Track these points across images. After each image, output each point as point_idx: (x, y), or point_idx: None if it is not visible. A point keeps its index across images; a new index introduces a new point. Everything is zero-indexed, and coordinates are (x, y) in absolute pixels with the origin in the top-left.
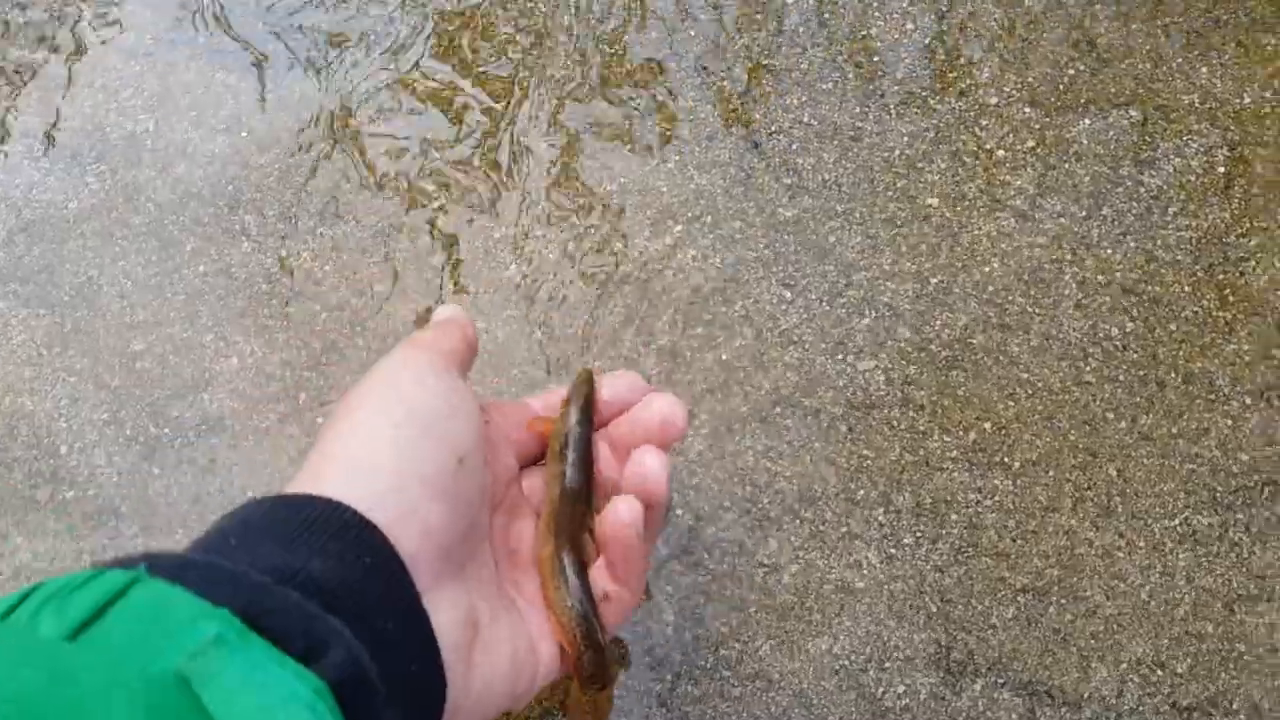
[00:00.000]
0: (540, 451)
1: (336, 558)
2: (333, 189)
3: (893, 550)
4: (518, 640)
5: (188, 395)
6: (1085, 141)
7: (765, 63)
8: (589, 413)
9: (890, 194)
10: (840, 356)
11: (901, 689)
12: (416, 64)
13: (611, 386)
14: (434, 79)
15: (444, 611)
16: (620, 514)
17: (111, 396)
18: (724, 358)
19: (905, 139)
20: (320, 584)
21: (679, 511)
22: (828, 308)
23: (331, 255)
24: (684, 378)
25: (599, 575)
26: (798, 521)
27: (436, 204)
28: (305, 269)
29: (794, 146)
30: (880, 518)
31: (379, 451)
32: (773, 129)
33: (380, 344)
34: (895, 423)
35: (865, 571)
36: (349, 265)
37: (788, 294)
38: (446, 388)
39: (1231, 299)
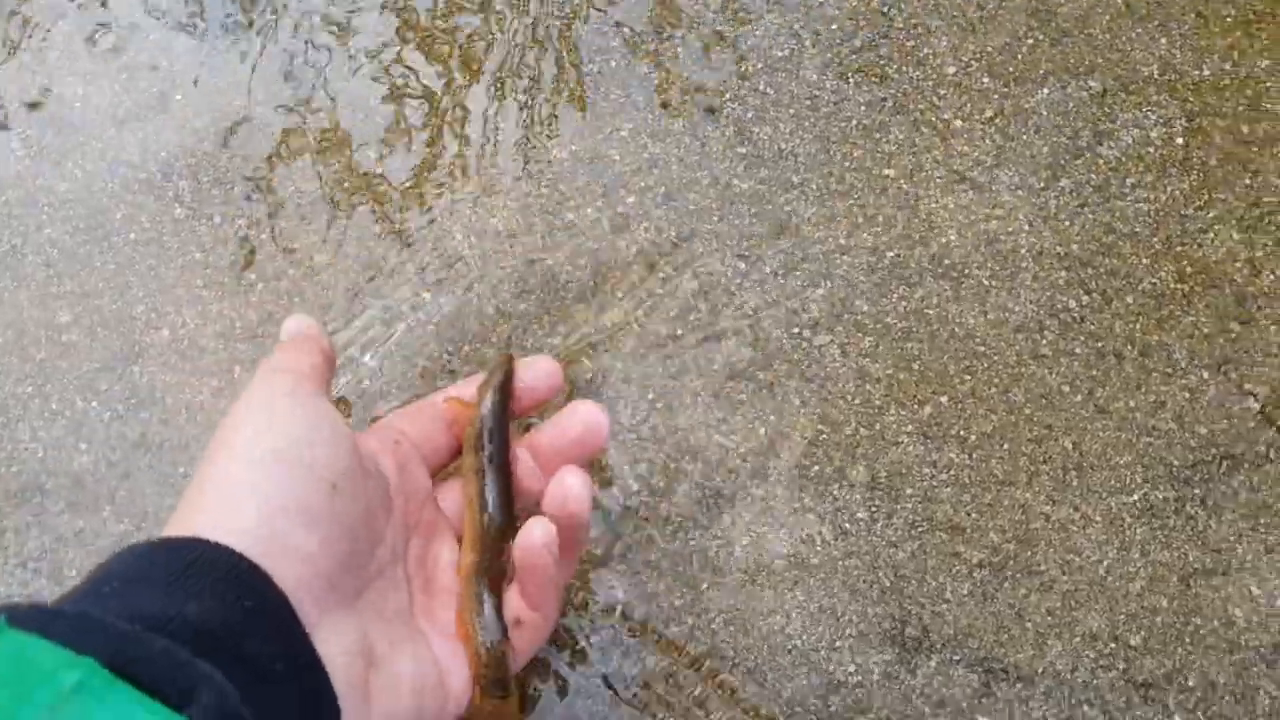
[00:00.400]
0: (458, 449)
1: (216, 600)
2: (271, 154)
3: (847, 525)
4: (423, 670)
5: (117, 368)
6: (1044, 112)
7: (720, 29)
8: (505, 400)
9: (847, 164)
10: (795, 329)
11: (854, 665)
12: (361, 24)
13: (531, 369)
14: (380, 40)
15: (333, 643)
16: (534, 537)
17: (36, 369)
18: (677, 331)
19: (862, 108)
20: (197, 628)
21: (632, 485)
22: (783, 280)
23: (269, 224)
24: (636, 350)
25: (512, 599)
26: (750, 497)
27: (379, 170)
28: (241, 237)
29: (750, 115)
30: (834, 492)
31: (247, 488)
32: (728, 97)
33: (319, 315)
34: (850, 396)
35: (819, 547)
36: (287, 234)
37: (742, 266)
38: (310, 413)
39: (1189, 271)
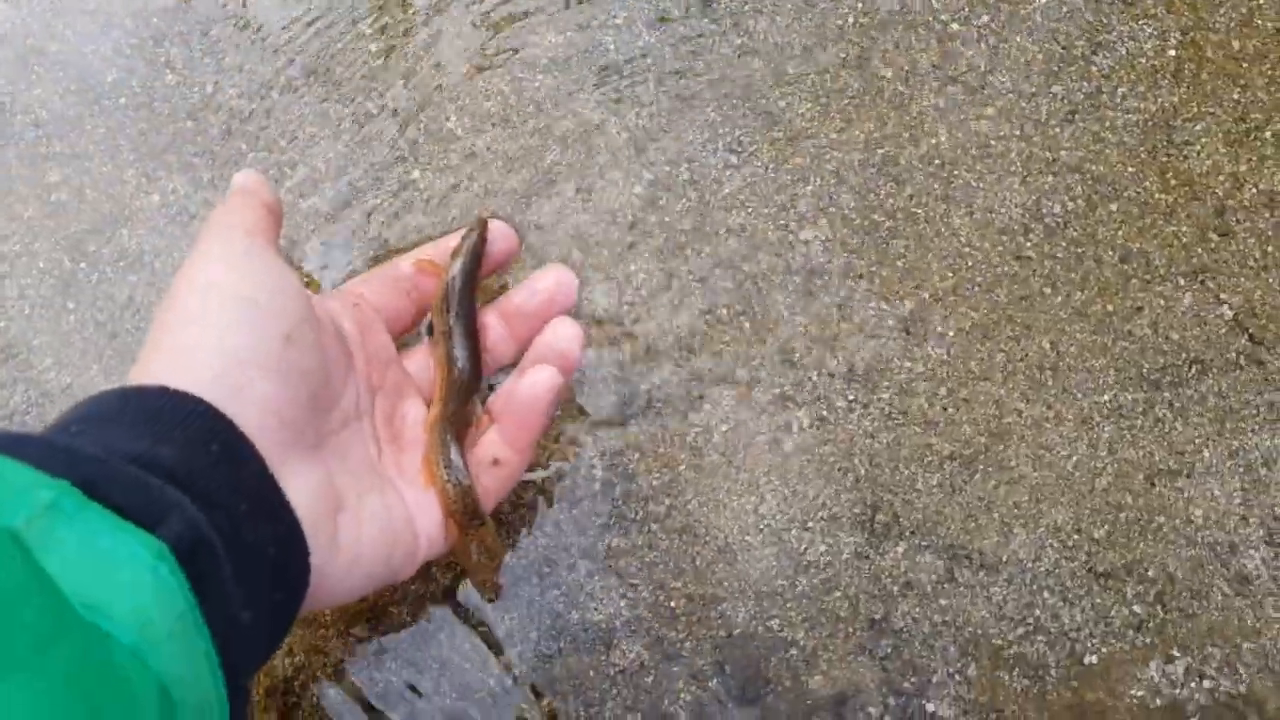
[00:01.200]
0: (423, 311)
1: (185, 445)
2: (263, 25)
3: (824, 413)
4: (392, 515)
5: (106, 230)
6: (1039, 19)
7: None
8: (475, 263)
9: (842, 60)
10: (783, 222)
11: (824, 547)
12: None
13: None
14: None
15: (298, 486)
16: (540, 382)
17: (24, 228)
18: (665, 219)
19: (860, 5)
20: (169, 470)
21: (616, 370)
22: (773, 174)
23: (260, 94)
24: (624, 238)
25: (491, 441)
26: (731, 382)
27: (375, 47)
28: (232, 107)
29: (746, 7)
30: (814, 380)
31: (205, 340)
32: None
33: (311, 189)
34: (834, 290)
35: (795, 434)
36: (279, 105)
37: (733, 158)
38: (261, 266)
39: (1173, 182)
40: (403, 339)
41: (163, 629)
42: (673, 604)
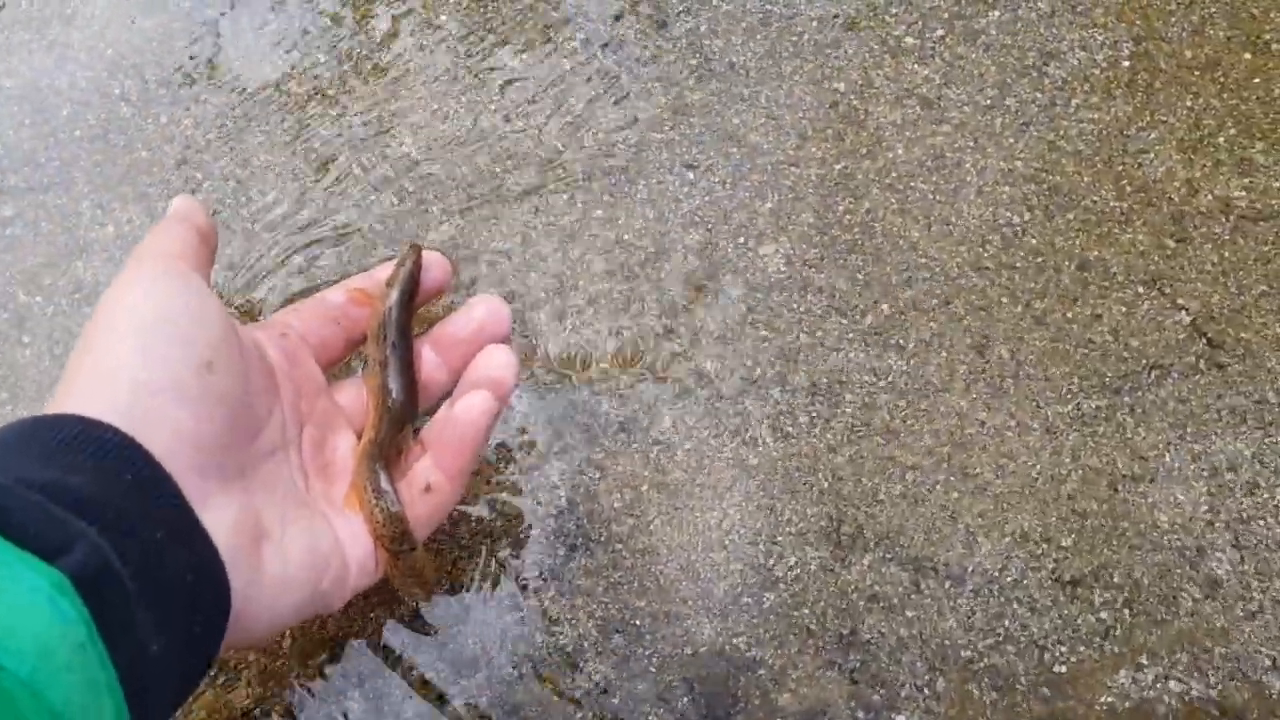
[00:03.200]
0: (353, 341)
1: (94, 473)
2: (216, 55)
3: (787, 428)
4: (320, 543)
5: (61, 263)
6: (994, 32)
7: None
8: (410, 291)
9: (797, 79)
10: (742, 239)
11: (792, 561)
12: None
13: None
14: None
15: (218, 515)
16: (474, 407)
17: None
18: (625, 238)
19: (814, 24)
20: (80, 498)
21: (579, 386)
22: (731, 190)
23: (215, 123)
24: (583, 257)
25: (423, 468)
26: (693, 400)
27: (328, 76)
28: (187, 136)
29: (702, 28)
30: (776, 396)
31: (119, 367)
32: (680, 10)
33: (267, 215)
34: (794, 305)
35: (759, 449)
36: (232, 134)
37: (691, 176)
38: (182, 292)
39: (1129, 190)
40: (332, 370)
41: (60, 660)
42: (638, 623)
